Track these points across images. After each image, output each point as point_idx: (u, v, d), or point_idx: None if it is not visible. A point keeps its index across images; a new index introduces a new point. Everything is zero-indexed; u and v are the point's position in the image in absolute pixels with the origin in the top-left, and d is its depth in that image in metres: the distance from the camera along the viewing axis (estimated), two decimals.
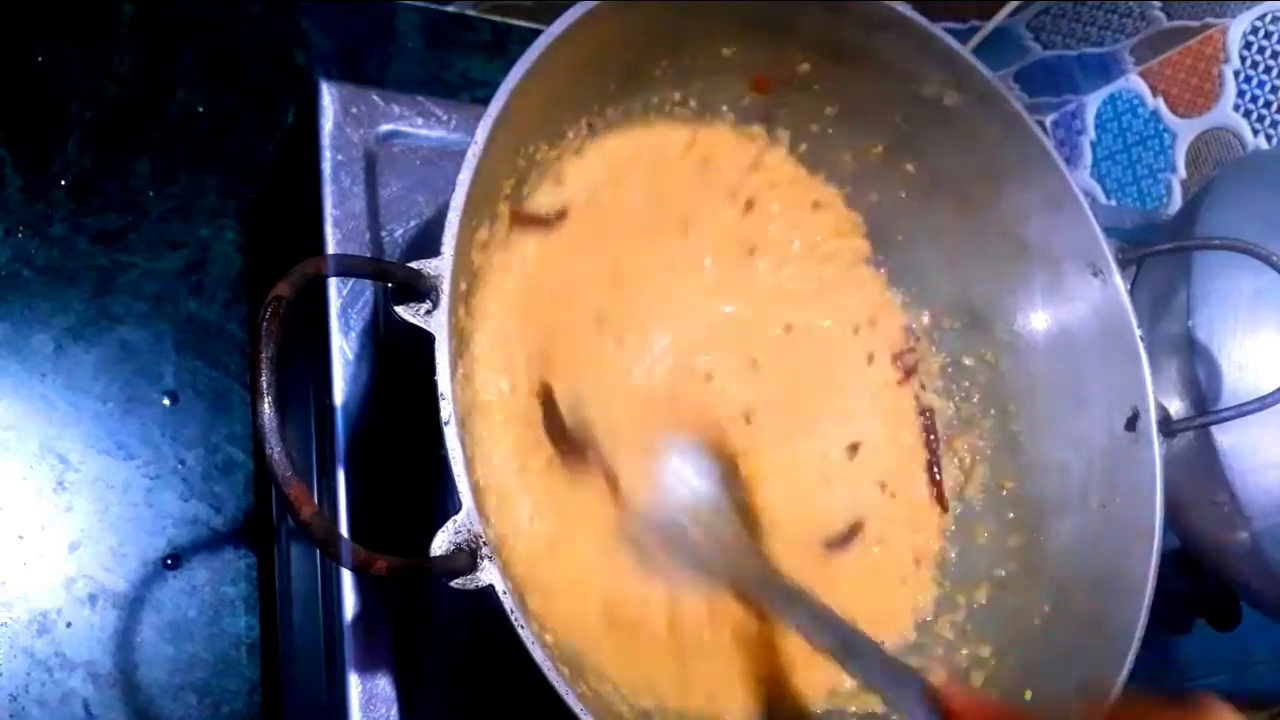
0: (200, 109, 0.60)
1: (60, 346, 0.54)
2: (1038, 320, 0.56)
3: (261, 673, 0.55)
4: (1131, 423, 0.52)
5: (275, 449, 0.29)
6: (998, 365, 0.58)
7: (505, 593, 0.33)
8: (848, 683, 0.51)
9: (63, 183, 0.56)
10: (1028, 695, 0.49)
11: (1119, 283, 0.52)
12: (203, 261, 0.58)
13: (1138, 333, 0.52)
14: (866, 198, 0.58)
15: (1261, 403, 0.51)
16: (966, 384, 0.59)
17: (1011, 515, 0.56)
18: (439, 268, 0.34)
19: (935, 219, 0.57)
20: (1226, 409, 0.53)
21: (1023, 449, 0.57)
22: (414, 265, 0.34)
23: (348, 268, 0.34)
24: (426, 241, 0.50)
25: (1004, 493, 0.57)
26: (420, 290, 0.34)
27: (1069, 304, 0.55)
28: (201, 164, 0.59)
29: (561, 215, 0.47)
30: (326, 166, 0.48)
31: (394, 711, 0.42)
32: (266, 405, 0.29)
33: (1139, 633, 0.47)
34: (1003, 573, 0.54)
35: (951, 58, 0.50)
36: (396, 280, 0.34)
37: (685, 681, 0.47)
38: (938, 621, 0.54)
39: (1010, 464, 0.57)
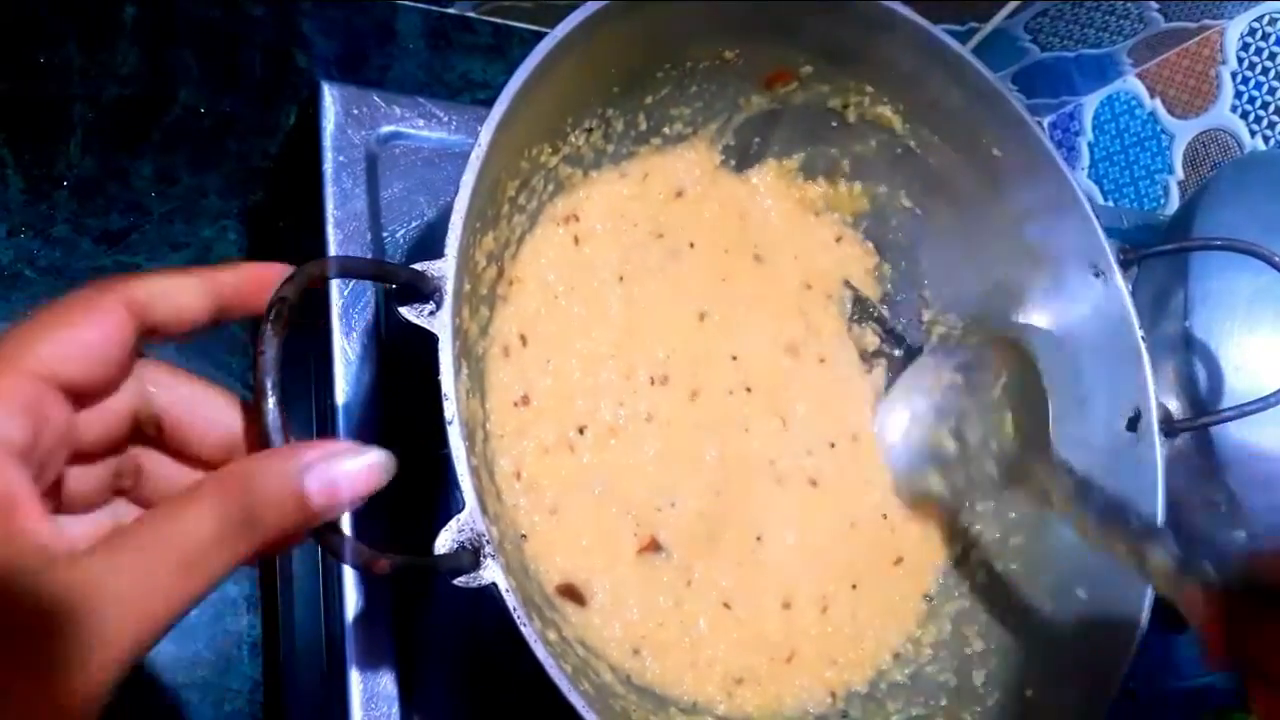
0: (202, 110, 0.60)
1: None
2: (1039, 320, 0.56)
3: (263, 671, 0.55)
4: (1133, 423, 0.52)
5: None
6: None
7: (508, 590, 0.33)
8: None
9: (65, 184, 0.56)
10: (1028, 694, 0.49)
11: (1120, 283, 0.52)
12: (205, 262, 0.58)
13: (1139, 333, 0.52)
14: (871, 198, 0.59)
15: (1264, 403, 0.51)
16: None
17: (1013, 514, 0.56)
18: (442, 269, 0.34)
19: (936, 220, 0.58)
20: (1228, 409, 0.53)
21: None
22: (418, 267, 0.34)
23: (351, 269, 0.34)
24: (428, 242, 0.50)
25: (1005, 493, 0.57)
26: (424, 291, 0.34)
27: (1070, 304, 0.55)
28: (203, 165, 0.59)
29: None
30: (328, 167, 0.48)
31: (395, 710, 0.42)
32: (271, 405, 0.29)
33: (1140, 632, 0.47)
34: (1004, 571, 0.55)
35: (952, 58, 0.51)
36: (400, 282, 0.34)
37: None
38: (939, 616, 0.55)
39: None
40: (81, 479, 0.31)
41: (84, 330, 0.28)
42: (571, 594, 0.45)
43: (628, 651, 0.46)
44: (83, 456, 0.30)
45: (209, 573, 0.26)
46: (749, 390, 0.54)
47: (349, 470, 0.28)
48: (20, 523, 0.25)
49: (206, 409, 0.32)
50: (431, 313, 0.34)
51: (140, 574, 0.25)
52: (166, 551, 0.26)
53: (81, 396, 0.29)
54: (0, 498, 0.25)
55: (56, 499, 0.30)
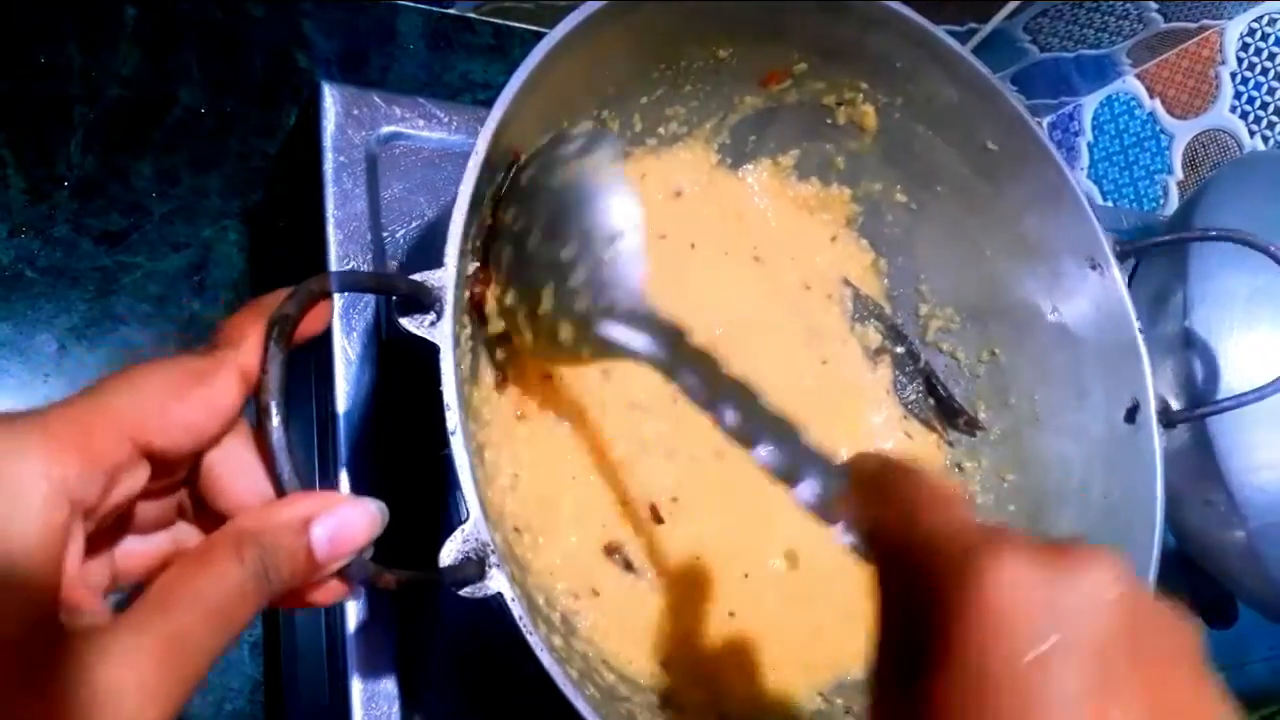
0: (202, 110, 0.60)
1: (63, 347, 0.54)
2: (1037, 314, 0.56)
3: (264, 671, 0.55)
4: (1131, 414, 0.52)
5: (285, 469, 0.29)
6: (998, 359, 0.58)
7: (514, 599, 0.33)
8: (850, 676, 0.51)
9: (66, 184, 0.56)
10: None
11: (1117, 276, 0.53)
12: (205, 262, 0.58)
13: (1136, 325, 0.52)
14: (864, 196, 0.59)
15: (1260, 393, 0.51)
16: (967, 378, 0.60)
17: (1013, 507, 0.56)
18: (442, 279, 0.34)
19: (932, 215, 0.58)
20: (1225, 400, 0.53)
21: (1023, 441, 0.57)
22: (417, 278, 0.34)
23: (352, 284, 0.34)
24: (428, 242, 0.50)
25: (1005, 484, 0.57)
26: (424, 302, 0.34)
27: (1068, 298, 0.55)
28: (204, 165, 0.59)
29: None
30: (328, 168, 0.48)
31: (396, 710, 0.42)
32: (275, 424, 0.29)
33: None
34: None
35: (946, 54, 0.51)
36: (400, 293, 0.34)
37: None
38: None
39: (1011, 456, 0.57)
40: (145, 509, 0.31)
41: (192, 408, 0.28)
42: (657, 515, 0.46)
43: (632, 656, 0.46)
44: (146, 495, 0.30)
45: (236, 624, 0.27)
46: None
47: (350, 522, 0.29)
48: (59, 583, 0.25)
49: (239, 462, 0.31)
50: (432, 323, 0.34)
51: (173, 636, 0.25)
52: (197, 609, 0.26)
53: (165, 463, 0.28)
54: (60, 555, 0.25)
55: (124, 529, 0.30)
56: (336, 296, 0.46)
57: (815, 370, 0.57)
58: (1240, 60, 0.82)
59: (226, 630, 0.26)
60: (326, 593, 0.31)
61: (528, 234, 0.42)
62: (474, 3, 0.70)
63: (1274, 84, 0.80)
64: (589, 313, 0.41)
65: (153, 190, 0.58)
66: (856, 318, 0.59)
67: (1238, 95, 0.82)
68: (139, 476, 0.27)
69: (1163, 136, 0.88)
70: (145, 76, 0.59)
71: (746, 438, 0.38)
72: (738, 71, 0.52)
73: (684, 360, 0.40)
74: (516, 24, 0.72)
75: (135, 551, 0.31)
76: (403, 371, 0.46)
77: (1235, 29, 0.83)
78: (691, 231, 0.55)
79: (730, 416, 0.39)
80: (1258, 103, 0.81)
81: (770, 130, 0.56)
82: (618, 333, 0.41)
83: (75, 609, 0.25)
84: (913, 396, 0.60)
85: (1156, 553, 0.49)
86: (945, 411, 0.59)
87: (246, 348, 0.29)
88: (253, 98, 0.62)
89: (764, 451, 0.38)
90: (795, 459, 0.37)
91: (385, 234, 0.49)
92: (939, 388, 0.59)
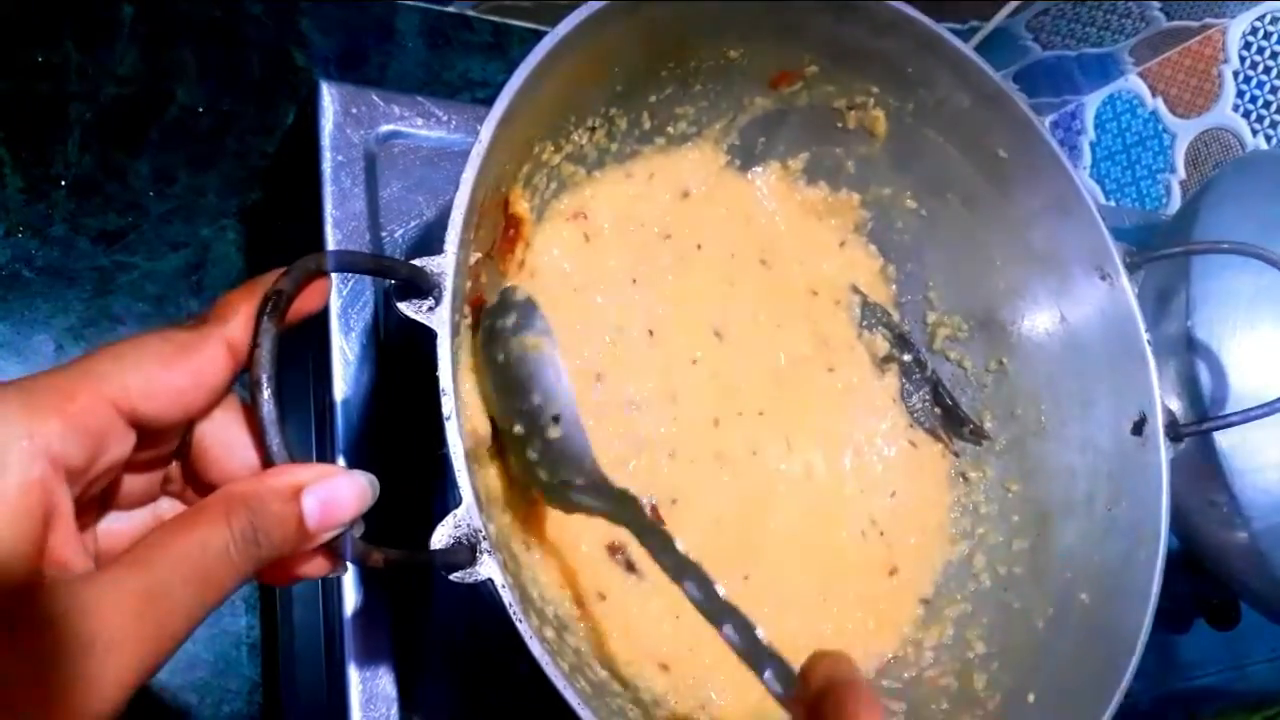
0: (200, 109, 0.60)
1: (61, 347, 0.54)
2: (1045, 323, 0.56)
3: (262, 672, 0.55)
4: (1138, 427, 0.52)
5: (274, 440, 0.29)
6: (1005, 369, 0.58)
7: (505, 586, 0.33)
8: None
9: (63, 183, 0.55)
10: (1030, 698, 0.49)
11: (1127, 286, 0.52)
12: (203, 262, 0.58)
13: (1145, 337, 0.52)
14: (874, 202, 0.58)
15: (1270, 408, 0.51)
16: (974, 387, 0.59)
17: (1017, 518, 0.56)
18: (442, 265, 0.34)
19: (941, 221, 0.57)
20: (1233, 414, 0.53)
21: (1029, 452, 0.57)
22: (417, 262, 0.34)
23: (349, 263, 0.34)
24: (427, 241, 0.50)
25: (1010, 495, 0.57)
26: (423, 288, 0.34)
27: (1076, 307, 0.55)
28: (202, 164, 0.59)
29: None
30: (327, 167, 0.48)
31: (394, 710, 0.42)
32: (266, 397, 0.29)
33: (1143, 636, 0.47)
34: (1008, 574, 0.55)
35: (958, 59, 0.50)
36: (399, 277, 0.34)
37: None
38: (941, 620, 0.54)
39: (1017, 466, 0.57)
40: (130, 482, 0.31)
41: (178, 375, 0.28)
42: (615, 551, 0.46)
43: (631, 658, 0.46)
44: (134, 467, 0.30)
45: (220, 587, 0.27)
46: (761, 414, 0.54)
47: (341, 492, 0.29)
48: (51, 539, 0.25)
49: (232, 435, 0.31)
50: (430, 309, 0.34)
51: (152, 591, 0.25)
52: (179, 567, 0.26)
53: (152, 432, 0.29)
54: (44, 512, 0.25)
55: (107, 504, 0.31)
56: (336, 295, 0.46)
57: (821, 377, 0.57)
58: (1243, 59, 0.82)
59: (207, 592, 0.26)
60: (314, 566, 0.31)
61: (488, 402, 0.42)
62: (473, 1, 0.70)
63: (1276, 83, 0.80)
64: (550, 484, 0.41)
65: (150, 189, 0.58)
66: (864, 324, 0.59)
67: (1240, 94, 0.82)
68: (125, 444, 0.28)
69: (1165, 135, 0.88)
70: (143, 75, 0.59)
71: (712, 616, 0.37)
72: (748, 72, 0.51)
73: (644, 528, 0.39)
74: (515, 22, 0.72)
75: (118, 529, 0.31)
76: (401, 373, 0.46)
77: (1238, 28, 0.82)
78: (698, 232, 0.54)
79: (694, 591, 0.37)
80: (1260, 102, 0.81)
81: (780, 133, 0.56)
82: (584, 499, 0.41)
83: (64, 568, 0.26)
84: (919, 405, 0.59)
85: (1160, 566, 0.49)
86: (951, 420, 0.59)
87: (236, 322, 0.30)
88: (250, 96, 0.62)
89: (730, 633, 0.37)
90: (754, 648, 0.36)
91: (384, 233, 0.49)
92: (946, 396, 0.59)
